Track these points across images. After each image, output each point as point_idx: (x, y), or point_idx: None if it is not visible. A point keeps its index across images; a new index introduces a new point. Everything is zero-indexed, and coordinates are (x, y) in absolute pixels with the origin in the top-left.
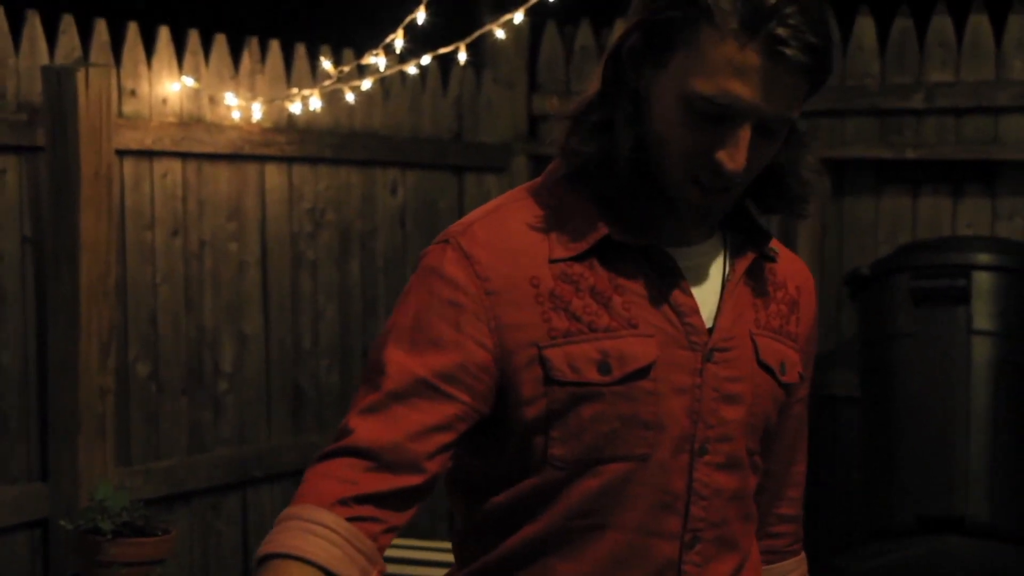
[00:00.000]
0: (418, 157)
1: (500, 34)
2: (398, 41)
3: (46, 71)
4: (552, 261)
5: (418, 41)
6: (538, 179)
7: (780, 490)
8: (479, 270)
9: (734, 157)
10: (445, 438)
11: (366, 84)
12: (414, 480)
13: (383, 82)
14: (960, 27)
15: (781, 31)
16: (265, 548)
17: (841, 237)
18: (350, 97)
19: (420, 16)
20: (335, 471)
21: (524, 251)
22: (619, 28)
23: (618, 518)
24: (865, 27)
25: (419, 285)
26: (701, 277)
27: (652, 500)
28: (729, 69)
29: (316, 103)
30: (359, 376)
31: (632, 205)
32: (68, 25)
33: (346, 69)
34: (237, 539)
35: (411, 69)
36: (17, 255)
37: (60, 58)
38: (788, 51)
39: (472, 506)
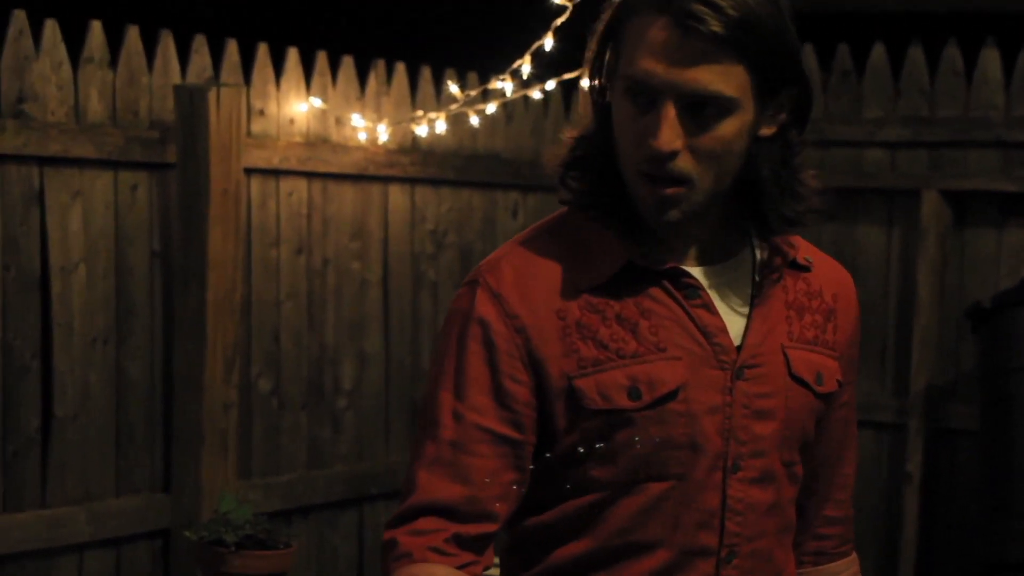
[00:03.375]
0: (539, 180)
1: None
2: (524, 66)
3: (178, 90)
4: (577, 291)
5: (543, 66)
6: (561, 211)
7: (827, 492)
8: (507, 308)
9: (656, 134)
10: (510, 476)
11: (490, 108)
12: (491, 527)
13: (506, 106)
14: None
15: (694, 5)
16: None
17: (962, 270)
18: (474, 120)
19: (548, 43)
20: (423, 527)
21: (549, 285)
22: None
23: (657, 536)
24: (990, 59)
25: (454, 329)
26: (728, 295)
27: (690, 518)
28: (645, 48)
29: (441, 126)
30: None
31: (647, 228)
32: (200, 45)
33: (471, 92)
34: (353, 555)
35: (535, 94)
36: (146, 270)
37: (192, 77)
38: (696, 23)
39: (516, 524)
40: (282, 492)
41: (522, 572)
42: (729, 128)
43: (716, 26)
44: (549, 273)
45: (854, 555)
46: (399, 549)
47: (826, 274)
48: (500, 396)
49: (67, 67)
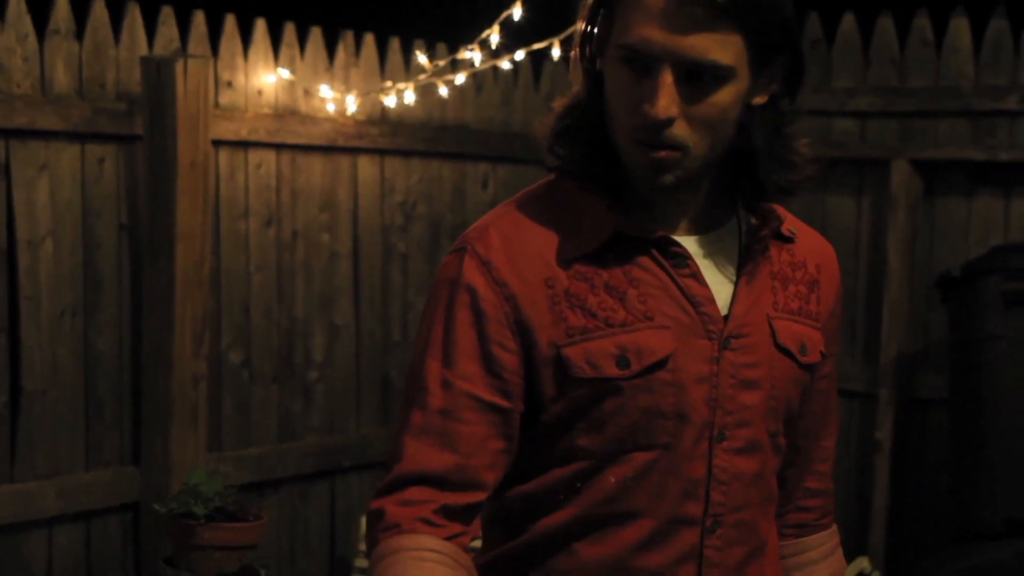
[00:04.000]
0: (509, 151)
1: None
2: (493, 36)
3: (145, 62)
4: (566, 260)
5: (512, 36)
6: (549, 177)
7: (809, 464)
8: (496, 276)
9: (653, 101)
10: (498, 444)
11: (459, 78)
12: (480, 496)
13: (475, 76)
14: None
15: None
16: None
17: (932, 239)
18: (443, 91)
19: (516, 12)
20: (412, 497)
21: (538, 253)
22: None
23: (643, 505)
24: (960, 28)
25: (442, 296)
26: (715, 264)
27: (675, 487)
28: (642, 16)
29: (410, 96)
30: None
31: (636, 197)
32: (167, 16)
33: (440, 63)
34: (325, 527)
35: (504, 64)
36: (114, 243)
37: (159, 49)
38: None
39: (499, 494)
40: (253, 465)
41: (504, 542)
42: (725, 96)
43: None
44: (538, 241)
45: (834, 527)
46: (387, 520)
47: (810, 245)
48: (489, 364)
49: (32, 39)
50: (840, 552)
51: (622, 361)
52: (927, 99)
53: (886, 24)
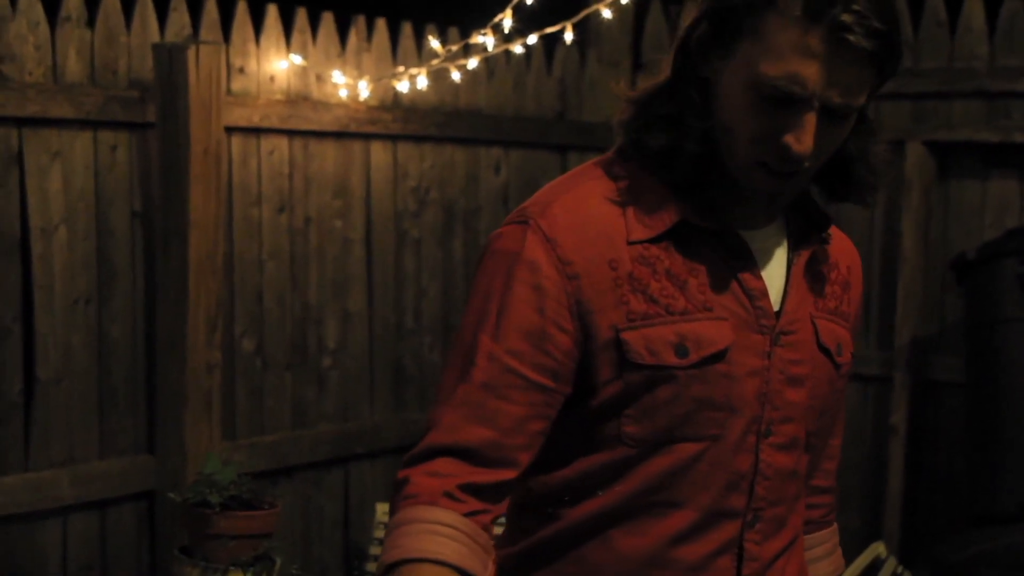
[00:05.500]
0: (521, 136)
1: (606, 13)
2: (506, 20)
3: (157, 49)
4: (630, 243)
5: (524, 20)
6: (608, 155)
7: (817, 462)
8: (561, 254)
9: (801, 140)
10: (537, 426)
11: (472, 63)
12: (511, 474)
13: (488, 61)
14: None
15: (845, 17)
16: (393, 554)
17: (946, 221)
18: (456, 76)
19: None
20: (440, 469)
21: (603, 233)
22: (688, 16)
23: (686, 496)
24: (974, 9)
25: (499, 269)
26: (767, 260)
27: (720, 479)
28: (794, 54)
29: (422, 82)
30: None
31: (700, 188)
32: (179, 3)
33: (453, 48)
34: (339, 514)
35: (517, 48)
36: (127, 230)
37: (171, 36)
38: (852, 37)
39: (535, 481)
40: (267, 452)
41: (536, 530)
42: (848, 126)
43: (867, 43)
44: (603, 221)
45: (835, 526)
46: (410, 489)
47: (840, 247)
48: (541, 343)
49: (44, 27)
50: (840, 551)
51: (680, 350)
52: (941, 80)
53: (900, 5)
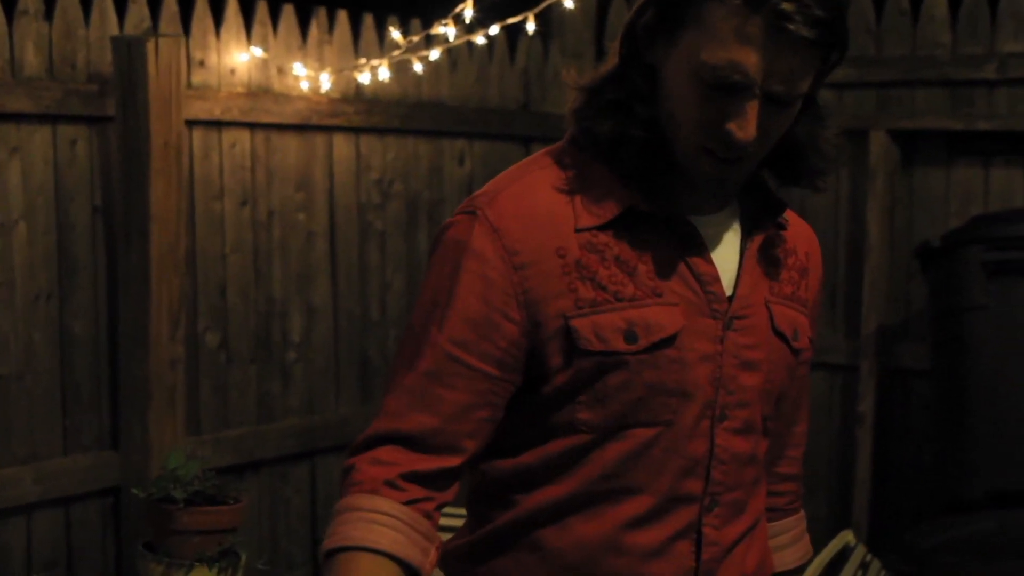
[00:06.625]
0: (485, 127)
1: (568, 4)
2: (467, 11)
3: (116, 42)
4: (578, 230)
5: (486, 11)
6: (558, 144)
7: (782, 450)
8: (507, 243)
9: (743, 127)
10: (483, 413)
11: (434, 54)
12: (456, 461)
13: (451, 52)
14: None
15: (785, 5)
16: (331, 542)
17: (911, 209)
18: (418, 67)
19: None
20: (383, 457)
21: (550, 221)
22: (635, 5)
23: (642, 481)
24: None
25: (448, 259)
26: (718, 246)
27: (676, 464)
28: (735, 42)
29: (384, 73)
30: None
31: (649, 174)
32: None
33: (414, 39)
34: (306, 508)
35: (479, 39)
36: (88, 225)
37: (130, 28)
38: (792, 26)
39: (493, 468)
40: (232, 447)
41: (493, 519)
42: (794, 111)
43: (808, 32)
44: (550, 210)
45: (802, 513)
46: (354, 475)
47: (799, 232)
48: (487, 332)
49: (1, 20)
50: (807, 538)
51: (630, 336)
52: (904, 69)
53: None
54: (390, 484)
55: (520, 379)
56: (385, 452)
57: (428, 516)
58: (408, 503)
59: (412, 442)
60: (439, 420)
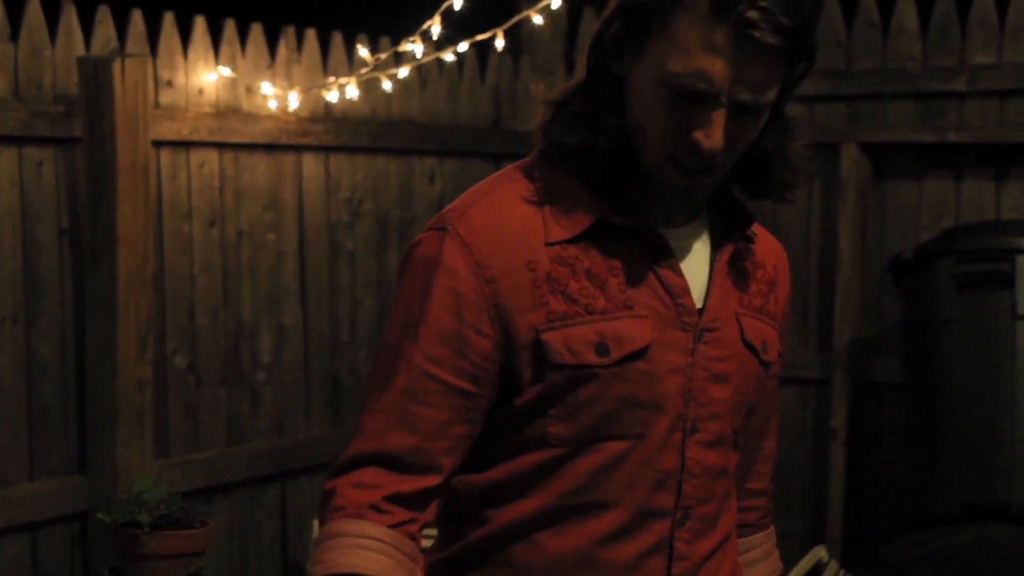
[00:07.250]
0: (456, 145)
1: (538, 20)
2: (435, 28)
3: (82, 62)
4: (548, 244)
5: (455, 28)
6: (528, 159)
7: (751, 465)
8: (478, 258)
9: (710, 136)
10: (460, 429)
11: (403, 72)
12: (436, 480)
13: (420, 70)
14: (1003, 8)
15: (751, 14)
16: (320, 569)
17: (883, 222)
18: (387, 85)
19: (457, 2)
20: (366, 480)
21: (521, 235)
22: (602, 17)
23: (615, 496)
24: (906, 9)
25: (419, 275)
26: (689, 257)
27: (647, 478)
28: (701, 51)
29: (353, 92)
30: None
31: (619, 187)
32: (104, 16)
33: (383, 57)
34: (276, 530)
35: (448, 56)
36: (54, 247)
37: (96, 49)
38: (758, 34)
39: (464, 483)
40: (202, 470)
41: (464, 535)
42: (761, 121)
43: (774, 39)
44: (520, 223)
45: (772, 528)
46: (337, 500)
47: (767, 246)
48: (461, 347)
49: None
50: (777, 554)
51: (601, 348)
52: (875, 82)
53: (833, 7)
54: (375, 508)
55: (495, 394)
56: (367, 475)
57: (412, 537)
58: (394, 526)
59: (393, 462)
60: (418, 438)
